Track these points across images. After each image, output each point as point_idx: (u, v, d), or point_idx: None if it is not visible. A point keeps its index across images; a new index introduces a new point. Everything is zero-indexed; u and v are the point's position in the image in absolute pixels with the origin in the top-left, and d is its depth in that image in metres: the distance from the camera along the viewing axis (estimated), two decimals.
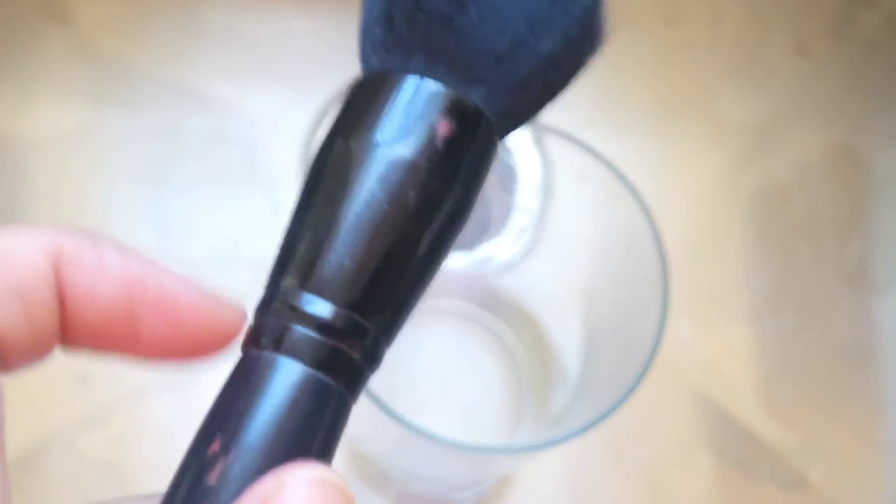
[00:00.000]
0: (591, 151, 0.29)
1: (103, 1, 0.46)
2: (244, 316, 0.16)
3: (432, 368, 0.40)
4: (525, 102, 0.17)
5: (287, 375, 0.14)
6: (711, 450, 0.42)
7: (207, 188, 0.44)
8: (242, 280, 0.43)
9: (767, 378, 0.43)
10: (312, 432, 0.14)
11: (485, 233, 0.36)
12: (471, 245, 0.37)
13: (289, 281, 0.15)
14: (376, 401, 0.25)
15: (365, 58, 0.17)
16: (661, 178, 0.46)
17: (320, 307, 0.15)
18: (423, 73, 0.16)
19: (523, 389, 0.40)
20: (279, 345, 0.14)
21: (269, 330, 0.15)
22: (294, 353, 0.14)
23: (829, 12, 0.48)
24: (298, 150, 0.44)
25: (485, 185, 0.17)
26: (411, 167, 0.15)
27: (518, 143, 0.28)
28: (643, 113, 0.46)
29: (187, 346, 0.15)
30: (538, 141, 0.27)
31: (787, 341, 0.44)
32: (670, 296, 0.27)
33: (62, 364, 0.17)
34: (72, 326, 0.15)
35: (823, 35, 0.48)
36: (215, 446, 0.14)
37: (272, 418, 0.14)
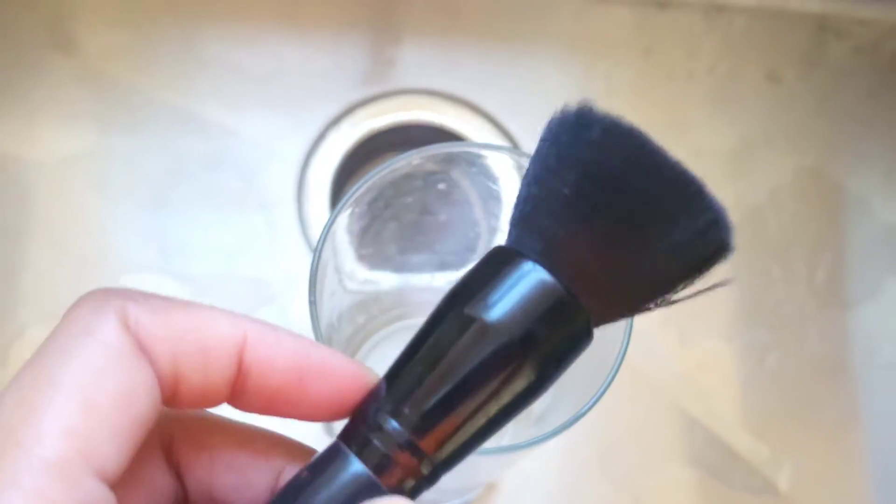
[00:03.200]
0: None
1: (107, 30, 0.47)
2: (375, 374, 0.19)
3: None
4: (624, 310, 0.19)
5: (355, 475, 0.18)
6: (690, 460, 0.42)
7: (206, 209, 0.44)
8: (239, 297, 0.44)
9: (743, 391, 0.44)
10: None
11: (472, 253, 0.38)
12: (458, 265, 0.39)
13: (384, 406, 0.18)
14: None
15: (510, 230, 0.19)
16: None
17: (400, 434, 0.18)
18: (545, 260, 0.18)
19: None
20: (361, 450, 0.18)
21: (358, 435, 0.18)
22: (367, 461, 0.18)
23: (800, 42, 0.49)
24: (292, 173, 0.46)
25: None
26: (510, 346, 0.18)
27: (502, 170, 0.30)
28: None
29: (344, 403, 0.19)
30: (520, 167, 0.29)
31: (762, 356, 0.44)
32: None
33: None
34: (253, 391, 0.18)
35: (794, 64, 0.49)
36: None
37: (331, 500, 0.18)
